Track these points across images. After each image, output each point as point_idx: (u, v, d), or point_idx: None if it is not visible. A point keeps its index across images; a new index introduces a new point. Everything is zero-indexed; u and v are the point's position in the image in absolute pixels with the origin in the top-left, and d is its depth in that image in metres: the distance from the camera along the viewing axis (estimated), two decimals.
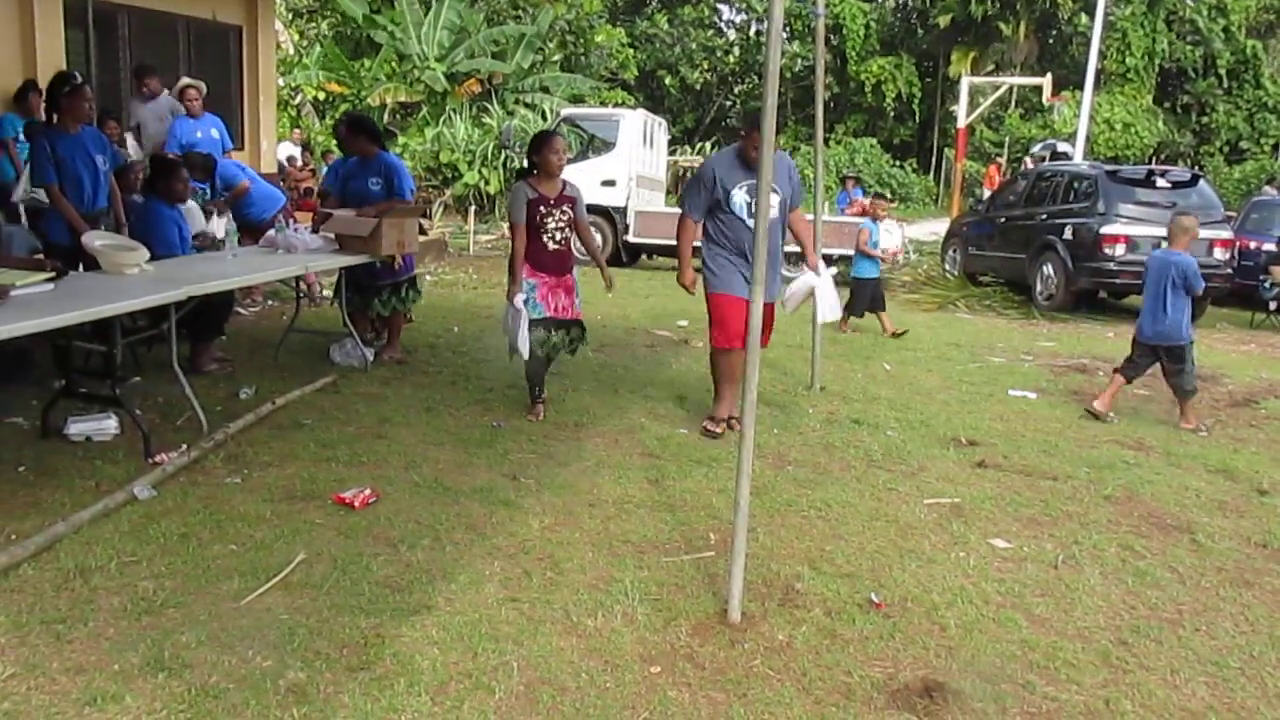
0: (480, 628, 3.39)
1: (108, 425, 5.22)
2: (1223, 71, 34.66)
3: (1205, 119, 35.36)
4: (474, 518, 4.37)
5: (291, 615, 3.39)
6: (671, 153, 24.42)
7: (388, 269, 7.11)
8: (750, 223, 5.36)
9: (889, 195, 29.26)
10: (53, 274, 5.01)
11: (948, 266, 15.34)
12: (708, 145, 33.08)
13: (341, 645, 3.22)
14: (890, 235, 14.36)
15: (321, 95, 23.30)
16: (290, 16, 26.19)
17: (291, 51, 24.96)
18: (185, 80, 9.43)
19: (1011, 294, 13.13)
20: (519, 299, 5.76)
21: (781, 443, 5.81)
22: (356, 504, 4.39)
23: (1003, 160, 29.07)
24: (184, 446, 5.00)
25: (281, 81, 20.91)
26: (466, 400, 6.36)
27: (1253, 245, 13.61)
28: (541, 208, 5.86)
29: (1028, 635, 3.58)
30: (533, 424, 5.89)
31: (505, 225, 18.65)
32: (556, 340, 5.98)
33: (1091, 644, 3.56)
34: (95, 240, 5.65)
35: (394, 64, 23.27)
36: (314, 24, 26.41)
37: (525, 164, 6.04)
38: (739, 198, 5.70)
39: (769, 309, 5.65)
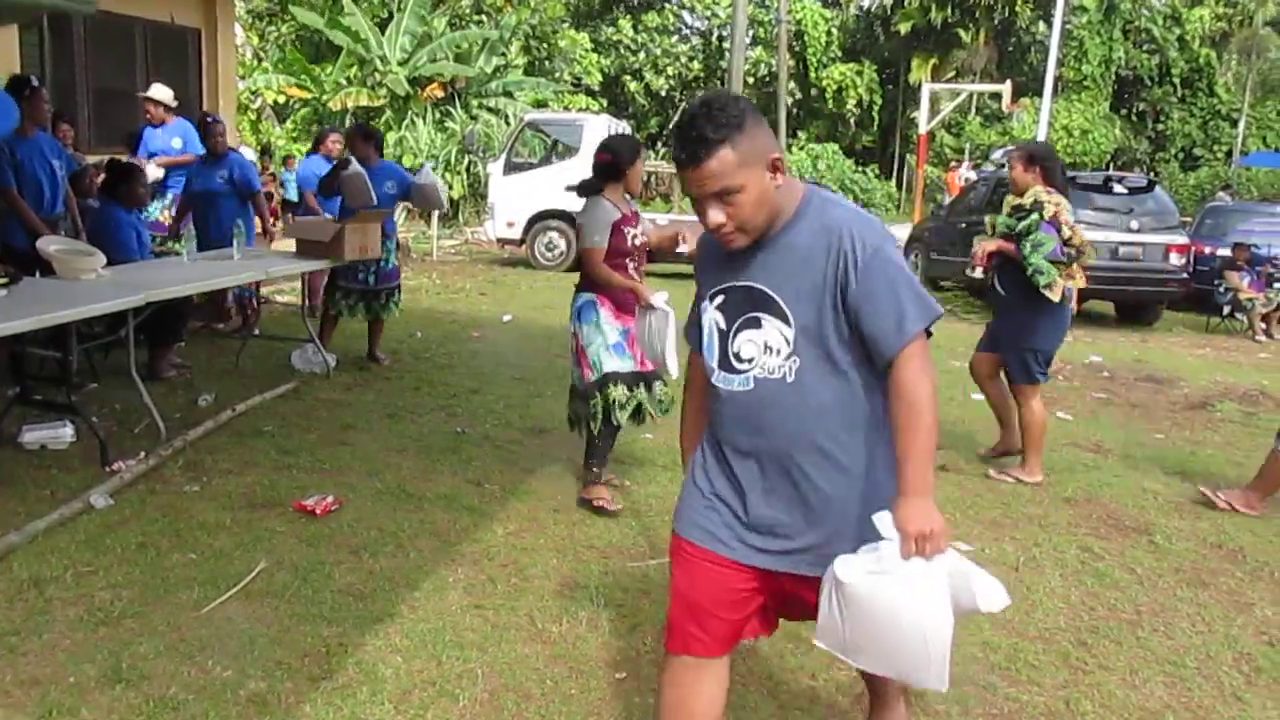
0: (444, 635, 3.37)
1: (63, 433, 5.14)
2: (1177, 80, 35.25)
3: (1160, 126, 35.93)
4: (438, 524, 4.35)
5: (252, 624, 3.35)
6: None
7: (394, 273, 7.23)
8: (725, 388, 2.29)
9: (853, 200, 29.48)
10: (6, 279, 4.93)
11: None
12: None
13: (303, 654, 3.19)
14: None
15: (282, 99, 23.09)
16: (250, 19, 25.94)
17: (249, 55, 24.74)
18: (146, 93, 9.34)
19: (973, 299, 13.25)
20: (659, 298, 4.32)
21: None
22: (318, 511, 4.35)
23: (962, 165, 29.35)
24: (142, 454, 4.93)
25: (241, 85, 20.72)
26: (430, 406, 6.33)
27: (1208, 250, 13.82)
28: (627, 229, 4.60)
29: (989, 637, 3.61)
30: (497, 429, 5.85)
31: (474, 229, 18.43)
32: (642, 398, 4.67)
33: (1052, 645, 3.59)
34: (50, 245, 5.57)
35: (356, 68, 23.13)
36: (274, 27, 26.17)
37: (595, 171, 4.69)
38: (709, 319, 2.34)
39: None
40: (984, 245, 5.50)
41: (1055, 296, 5.25)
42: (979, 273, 5.74)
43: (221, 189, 7.53)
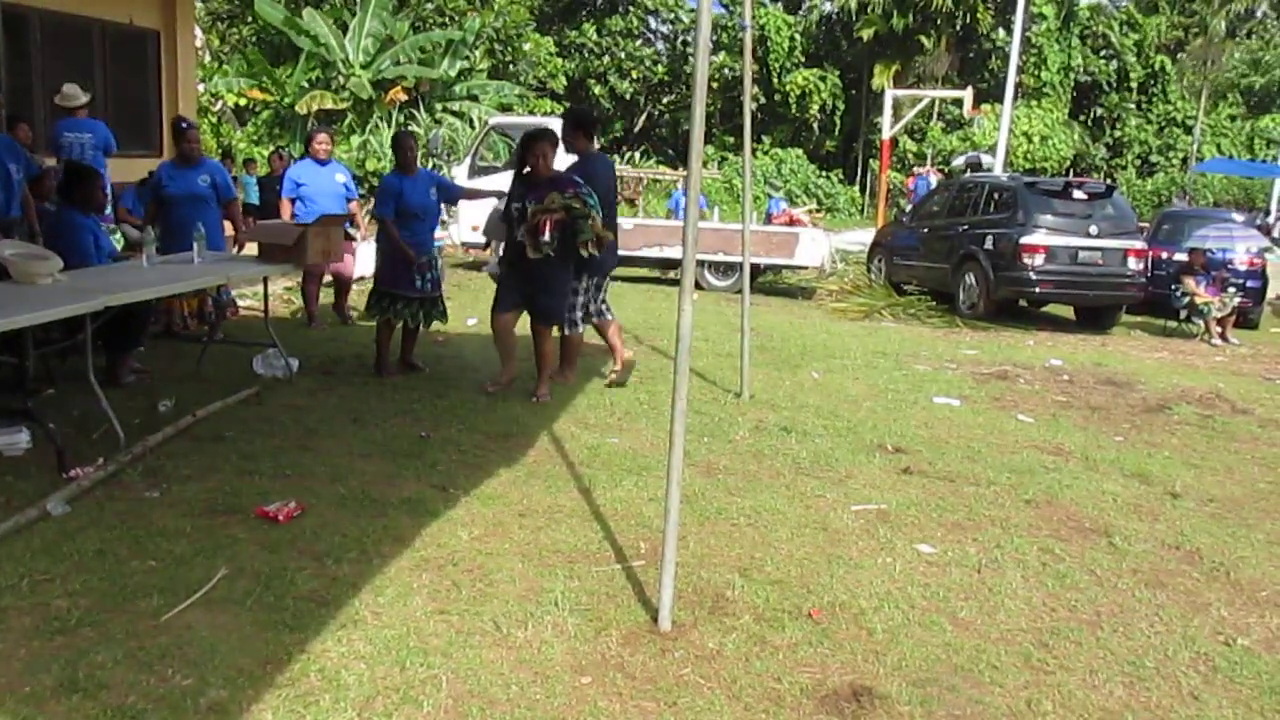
0: (408, 641, 3.35)
1: (19, 439, 5.05)
2: (1134, 85, 35.81)
3: (1118, 132, 36.47)
4: (402, 529, 4.32)
5: (213, 632, 3.32)
6: None
7: (435, 283, 7.24)
8: None
9: (817, 204, 29.72)
10: None
11: (873, 276, 15.58)
12: (636, 154, 33.20)
13: (264, 661, 3.16)
14: (816, 244, 14.59)
15: (242, 102, 22.88)
16: (210, 21, 25.70)
17: (208, 58, 24.49)
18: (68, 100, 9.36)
19: (935, 303, 13.37)
20: None
21: (711, 451, 5.84)
22: (280, 517, 4.31)
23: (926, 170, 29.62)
24: (100, 460, 4.86)
25: (201, 88, 20.51)
26: (394, 410, 6.29)
27: (1164, 255, 14.04)
28: None
29: (952, 639, 3.64)
30: (462, 434, 5.82)
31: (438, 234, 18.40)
32: None
33: (1014, 646, 3.62)
34: (5, 249, 5.48)
35: (318, 71, 22.96)
36: (235, 29, 25.94)
37: None
38: None
39: None
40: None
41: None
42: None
43: (207, 193, 7.54)
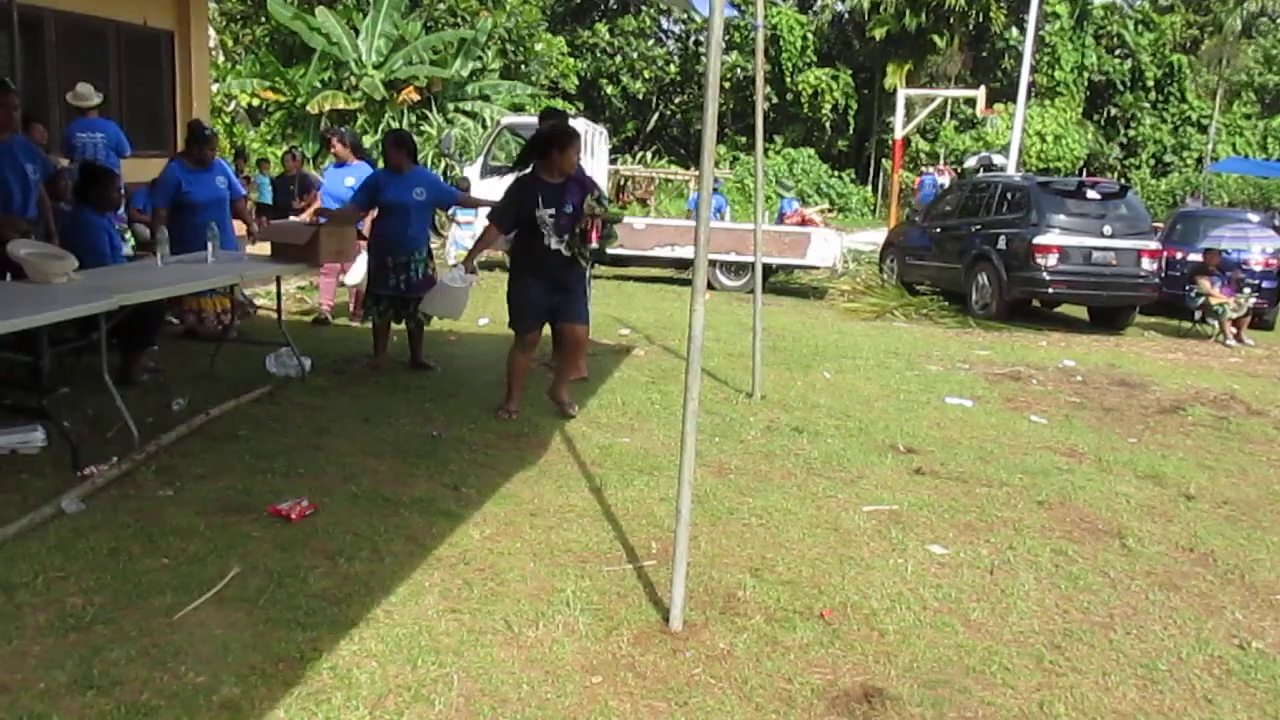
0: (419, 640, 3.36)
1: (34, 437, 5.08)
2: (1149, 84, 35.63)
3: (1132, 132, 36.30)
4: (414, 528, 4.33)
5: (225, 630, 3.33)
6: (612, 161, 24.47)
7: (426, 281, 7.16)
8: None
9: (829, 204, 29.69)
10: None
11: (885, 276, 15.55)
12: (648, 154, 33.20)
13: (277, 659, 3.17)
14: (828, 244, 14.57)
15: (256, 102, 22.96)
16: (224, 22, 25.80)
17: (222, 59, 24.57)
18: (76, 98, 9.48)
19: (948, 303, 13.34)
20: None
21: (723, 451, 5.83)
22: (293, 516, 4.33)
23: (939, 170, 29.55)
24: (114, 459, 4.88)
25: (215, 88, 20.58)
26: (405, 410, 6.30)
27: (1179, 256, 13.98)
28: None
29: (964, 640, 3.63)
30: (474, 433, 5.84)
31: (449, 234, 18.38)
32: None
33: (1026, 648, 3.61)
34: (21, 249, 5.51)
35: (330, 71, 23.03)
36: (248, 30, 26.04)
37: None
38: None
39: None
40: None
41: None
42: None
43: (225, 195, 7.61)
